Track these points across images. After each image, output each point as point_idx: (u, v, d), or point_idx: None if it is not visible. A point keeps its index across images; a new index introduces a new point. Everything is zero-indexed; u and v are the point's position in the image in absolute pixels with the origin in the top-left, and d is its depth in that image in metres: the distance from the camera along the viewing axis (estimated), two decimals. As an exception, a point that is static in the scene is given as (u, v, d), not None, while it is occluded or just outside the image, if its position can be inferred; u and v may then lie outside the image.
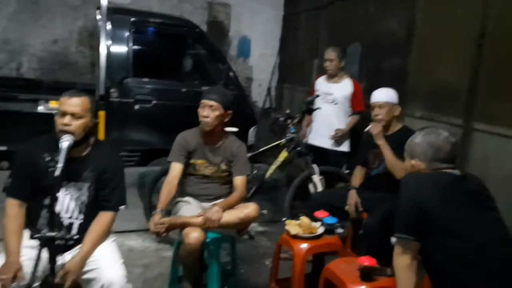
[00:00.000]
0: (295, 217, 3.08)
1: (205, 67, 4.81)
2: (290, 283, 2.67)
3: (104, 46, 4.09)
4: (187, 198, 2.80)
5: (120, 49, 4.37)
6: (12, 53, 5.99)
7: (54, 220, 1.81)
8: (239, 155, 2.79)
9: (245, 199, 2.81)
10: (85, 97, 2.13)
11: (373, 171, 3.24)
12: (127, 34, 4.39)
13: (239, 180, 2.75)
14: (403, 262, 1.87)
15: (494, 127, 3.26)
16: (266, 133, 5.29)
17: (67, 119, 2.05)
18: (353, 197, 3.15)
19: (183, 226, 2.51)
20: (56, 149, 1.89)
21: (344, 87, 4.13)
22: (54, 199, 1.78)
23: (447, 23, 3.74)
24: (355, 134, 4.19)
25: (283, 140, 4.04)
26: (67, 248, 2.06)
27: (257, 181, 3.97)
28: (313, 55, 5.96)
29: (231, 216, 2.59)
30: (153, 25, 4.71)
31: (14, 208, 2.06)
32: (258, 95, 7.14)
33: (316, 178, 3.81)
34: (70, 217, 2.14)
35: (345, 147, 4.21)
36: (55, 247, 1.75)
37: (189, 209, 2.69)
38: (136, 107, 4.40)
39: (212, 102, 2.68)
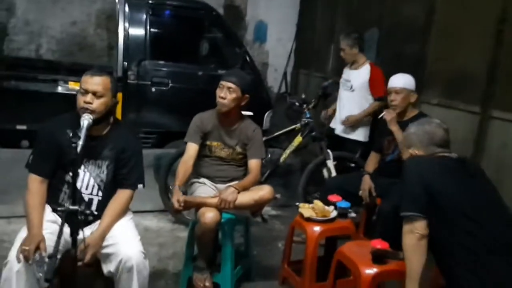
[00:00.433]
0: (308, 202, 3.11)
1: (221, 51, 4.83)
2: (303, 265, 2.71)
3: (122, 29, 4.14)
4: (202, 179, 2.84)
5: (138, 31, 4.41)
6: (31, 35, 6.08)
7: (76, 195, 1.86)
8: (255, 138, 2.81)
9: (259, 183, 2.84)
10: (107, 76, 2.17)
11: (387, 157, 3.25)
12: (144, 17, 4.43)
13: (254, 163, 2.78)
14: (411, 241, 1.90)
15: (513, 115, 3.23)
16: (281, 118, 5.29)
17: (88, 97, 2.09)
18: (367, 183, 3.17)
19: (199, 206, 2.56)
20: (78, 126, 1.94)
21: (361, 74, 4.05)
22: (76, 175, 1.82)
23: (467, 9, 3.68)
24: (376, 122, 4.14)
25: (298, 125, 4.04)
26: (87, 223, 2.12)
27: (271, 166, 4.00)
28: (329, 41, 5.92)
29: (246, 197, 2.62)
30: (170, 8, 4.74)
31: (36, 184, 2.12)
32: (274, 80, 7.13)
33: (330, 163, 3.82)
34: (90, 194, 2.20)
35: (360, 135, 4.08)
36: (77, 221, 1.80)
37: (205, 190, 2.73)
38: (153, 89, 4.45)
39: (230, 84, 2.70)
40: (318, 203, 2.80)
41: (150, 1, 4.50)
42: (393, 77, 3.18)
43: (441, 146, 2.10)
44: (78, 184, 2.13)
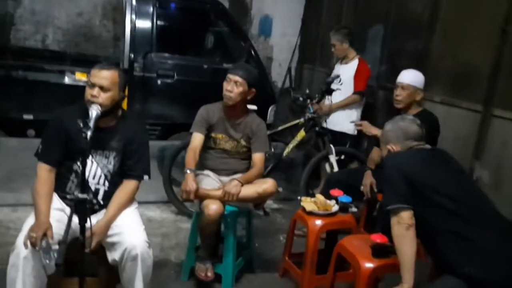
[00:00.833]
0: (310, 196, 3.14)
1: (226, 44, 4.85)
2: (303, 258, 2.75)
3: (129, 21, 4.16)
4: (206, 171, 2.88)
5: (144, 24, 4.44)
6: (38, 25, 6.10)
7: (85, 184, 1.90)
8: (259, 132, 2.84)
9: (262, 177, 2.87)
10: (115, 70, 2.19)
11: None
12: (151, 9, 4.45)
13: (257, 157, 2.82)
14: (399, 232, 1.98)
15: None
16: (285, 112, 5.33)
17: (95, 91, 2.12)
18: (368, 178, 3.20)
19: (203, 197, 2.60)
20: (86, 117, 1.97)
21: (350, 68, 4.15)
22: (85, 164, 1.86)
23: (471, 7, 3.69)
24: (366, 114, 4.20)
25: (301, 120, 4.08)
26: (93, 212, 2.17)
27: (274, 159, 4.03)
28: (335, 36, 5.91)
29: (250, 190, 2.66)
30: (177, 1, 4.76)
31: (45, 173, 2.16)
32: (278, 75, 7.13)
33: (333, 158, 3.85)
34: (97, 183, 2.24)
35: (348, 128, 4.12)
36: (85, 210, 1.84)
37: (209, 182, 2.77)
38: (159, 81, 4.49)
39: (237, 78, 2.73)
40: (319, 197, 2.84)
41: (157, -6, 4.53)
42: (403, 72, 3.21)
43: (416, 139, 2.23)
44: (86, 174, 2.16)
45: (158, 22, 4.52)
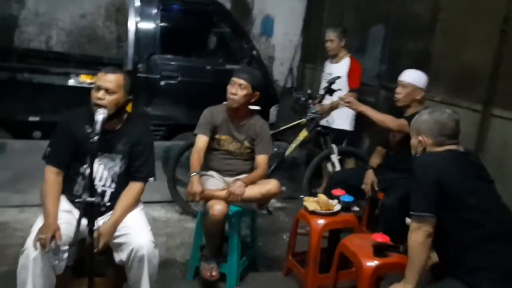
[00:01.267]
0: (313, 195, 3.18)
1: (229, 46, 4.89)
2: (306, 256, 2.79)
3: (133, 22, 4.20)
4: (210, 172, 2.92)
5: (148, 25, 4.47)
6: (42, 26, 6.14)
7: (93, 187, 1.94)
8: (263, 134, 2.89)
9: (265, 177, 2.91)
10: (121, 74, 2.24)
11: (393, 151, 3.31)
12: (155, 11, 4.49)
13: (261, 159, 2.86)
14: (418, 238, 1.95)
15: (515, 113, 3.28)
16: (287, 112, 5.36)
17: (100, 94, 2.17)
18: (370, 177, 3.23)
19: (208, 198, 2.64)
20: (93, 120, 2.01)
21: (342, 67, 4.23)
22: (92, 167, 1.91)
23: (471, 8, 3.72)
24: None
25: (303, 120, 4.10)
26: (100, 213, 2.21)
27: (277, 159, 4.06)
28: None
29: (254, 191, 2.71)
30: (180, 3, 4.80)
31: (53, 175, 2.21)
32: (280, 74, 7.17)
33: (335, 157, 3.89)
34: (104, 185, 2.29)
35: (344, 125, 4.26)
36: (93, 212, 1.88)
37: (213, 182, 2.81)
38: (162, 83, 4.53)
39: (242, 81, 2.77)
40: (322, 197, 2.88)
41: (160, -4, 4.56)
42: (406, 71, 3.24)
43: (451, 137, 2.11)
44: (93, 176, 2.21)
45: (162, 24, 4.56)
